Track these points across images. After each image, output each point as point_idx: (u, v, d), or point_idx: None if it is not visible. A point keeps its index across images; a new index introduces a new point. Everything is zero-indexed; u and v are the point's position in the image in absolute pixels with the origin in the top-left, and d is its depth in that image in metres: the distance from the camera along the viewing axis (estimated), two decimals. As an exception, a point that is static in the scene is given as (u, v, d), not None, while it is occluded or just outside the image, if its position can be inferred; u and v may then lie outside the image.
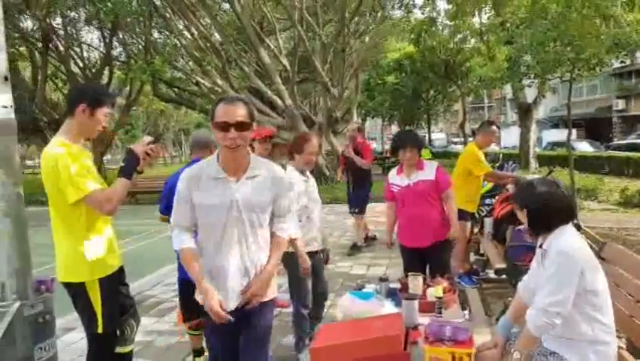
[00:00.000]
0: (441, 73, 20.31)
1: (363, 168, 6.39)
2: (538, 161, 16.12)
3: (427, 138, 30.94)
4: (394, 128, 41.79)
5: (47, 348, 2.68)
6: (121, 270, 2.59)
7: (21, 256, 2.41)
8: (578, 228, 4.06)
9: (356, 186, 6.57)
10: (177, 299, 4.96)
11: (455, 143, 40.49)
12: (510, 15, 7.85)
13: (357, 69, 15.12)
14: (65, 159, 2.23)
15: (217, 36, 14.43)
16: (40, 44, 15.54)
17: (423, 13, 14.05)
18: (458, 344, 2.03)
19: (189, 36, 14.24)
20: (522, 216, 2.26)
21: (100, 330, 2.39)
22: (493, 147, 28.73)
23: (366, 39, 16.14)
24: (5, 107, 2.48)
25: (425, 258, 3.61)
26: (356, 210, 6.60)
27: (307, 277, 3.29)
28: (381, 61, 21.49)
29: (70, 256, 2.34)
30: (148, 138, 2.49)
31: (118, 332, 2.57)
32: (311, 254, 3.28)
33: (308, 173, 3.44)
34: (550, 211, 2.16)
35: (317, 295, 3.48)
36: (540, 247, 2.27)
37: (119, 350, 2.58)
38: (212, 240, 2.10)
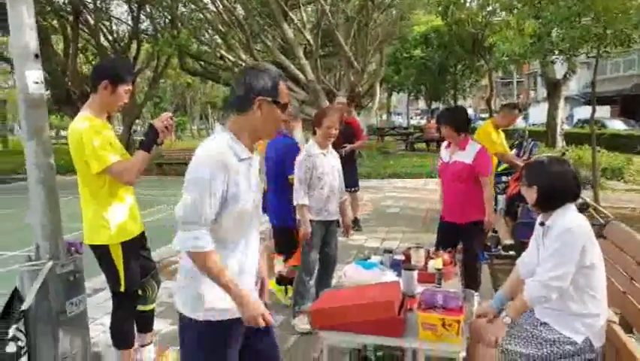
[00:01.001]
0: (468, 47, 19.84)
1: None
2: (566, 139, 15.76)
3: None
4: (421, 104, 41.22)
5: (77, 303, 2.96)
6: (142, 235, 2.81)
7: (53, 220, 2.65)
8: (587, 206, 4.12)
9: (347, 164, 6.38)
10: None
11: (483, 119, 39.78)
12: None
13: (382, 43, 14.95)
14: (89, 132, 2.44)
15: (241, 10, 14.45)
16: (71, 18, 15.88)
17: (450, -15, 13.73)
18: (448, 311, 2.17)
19: (214, 9, 14.31)
20: (528, 193, 2.34)
21: (122, 289, 2.63)
22: (521, 123, 28.18)
23: (393, 12, 15.89)
24: (36, 82, 2.68)
25: (459, 235, 3.70)
26: (353, 189, 6.29)
27: (312, 245, 3.48)
28: (408, 34, 21.10)
29: (95, 221, 2.56)
30: (167, 114, 2.67)
31: (140, 292, 2.82)
32: (325, 223, 3.51)
33: (330, 147, 3.59)
34: (558, 190, 2.25)
35: (326, 263, 3.66)
36: (542, 224, 2.37)
37: (140, 308, 2.84)
38: (242, 232, 1.83)
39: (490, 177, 3.69)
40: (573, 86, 28.74)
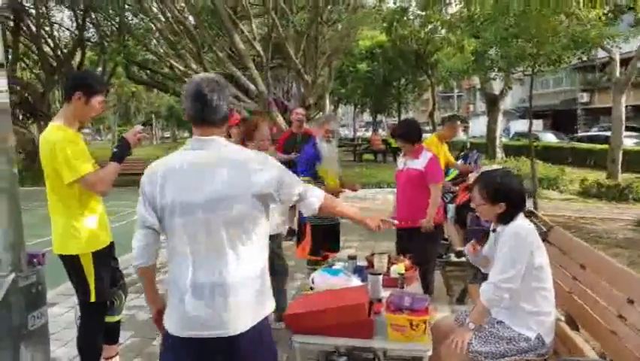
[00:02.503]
0: (412, 62, 20.63)
1: None
2: (504, 151, 16.71)
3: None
4: (366, 116, 42.16)
5: (39, 316, 2.87)
6: (111, 245, 2.80)
7: (15, 231, 2.58)
8: (532, 214, 4.45)
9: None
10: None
11: (425, 131, 41.09)
12: (477, 10, 8.21)
13: (331, 57, 15.28)
14: (62, 143, 2.43)
15: (192, 20, 14.32)
16: (11, 24, 15.12)
17: (395, 3, 14.33)
18: (415, 313, 2.31)
19: (163, 19, 14.10)
20: (491, 210, 2.41)
21: (92, 299, 2.60)
22: (462, 136, 29.41)
23: (339, 27, 16.29)
24: (0, 91, 2.62)
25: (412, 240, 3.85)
26: None
27: None
28: (354, 49, 21.66)
29: (66, 231, 2.53)
30: (139, 127, 2.75)
31: (108, 303, 2.79)
32: (270, 237, 3.53)
33: None
34: (520, 201, 2.44)
35: (278, 273, 3.64)
36: (494, 231, 2.57)
37: (108, 318, 2.81)
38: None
39: (439, 184, 3.92)
40: (509, 101, 30.52)
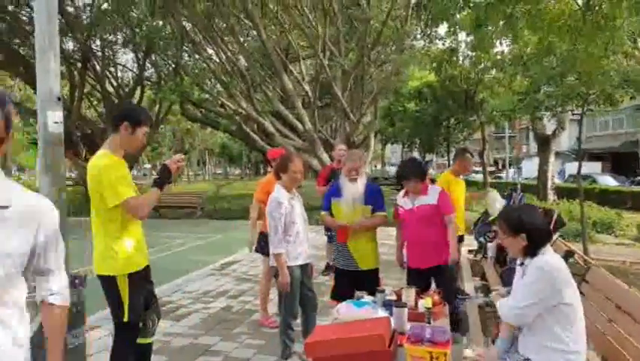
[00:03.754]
0: (461, 102, 20.55)
1: None
2: (557, 193, 16.05)
3: (447, 165, 31.05)
4: (415, 155, 41.97)
5: (78, 335, 3.04)
6: (147, 268, 2.94)
7: (61, 252, 2.79)
8: (572, 254, 4.28)
9: None
10: (193, 306, 5.32)
11: (476, 172, 40.39)
12: (523, 49, 8.16)
13: (376, 96, 15.53)
14: (107, 168, 2.63)
15: (243, 61, 15.06)
16: (79, 65, 16.47)
17: (444, 44, 14.47)
18: (436, 345, 2.28)
19: (217, 60, 14.93)
20: (514, 243, 2.42)
21: (126, 319, 2.73)
22: (513, 177, 28.42)
23: (388, 67, 16.60)
24: (56, 122, 2.91)
25: (429, 279, 3.80)
26: (329, 233, 6.28)
27: (293, 289, 3.55)
28: (402, 89, 21.86)
29: (105, 253, 2.70)
30: (179, 156, 2.91)
31: (141, 324, 2.91)
32: (301, 267, 3.61)
33: (295, 191, 3.75)
34: (543, 232, 2.42)
35: (306, 304, 3.72)
36: (521, 264, 2.53)
37: (140, 340, 2.92)
38: None
39: (453, 215, 3.83)
40: (564, 142, 29.49)
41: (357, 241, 3.79)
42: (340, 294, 3.57)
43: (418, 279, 3.73)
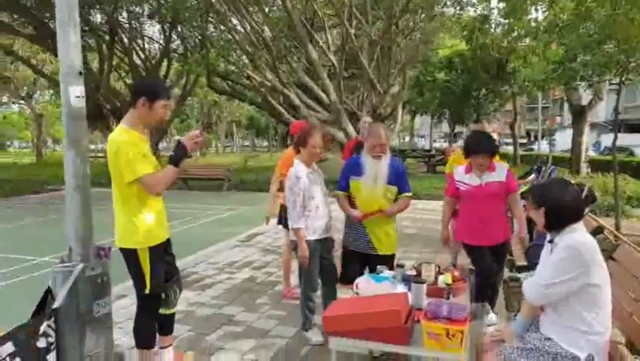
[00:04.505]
0: (492, 72, 19.90)
1: None
2: (591, 166, 15.53)
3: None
4: (444, 126, 41.14)
5: (104, 305, 3.14)
6: (168, 242, 3.00)
7: (85, 225, 2.84)
8: (601, 230, 4.14)
9: None
10: (217, 277, 5.44)
11: (507, 143, 39.46)
12: (560, 16, 7.74)
13: (405, 66, 15.15)
14: (125, 144, 2.66)
15: (268, 32, 14.89)
16: (107, 37, 16.63)
17: (476, 11, 13.92)
18: (453, 322, 2.26)
19: (242, 31, 14.80)
20: (537, 215, 2.41)
21: (147, 291, 2.80)
22: (546, 149, 27.55)
23: (417, 36, 16.13)
24: (78, 96, 2.92)
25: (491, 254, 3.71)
26: None
27: (313, 263, 3.55)
28: (432, 58, 21.29)
29: (126, 226, 2.76)
30: (195, 132, 2.89)
31: (163, 296, 2.99)
32: (320, 241, 3.59)
33: (314, 165, 3.68)
34: (563, 209, 2.33)
35: (327, 277, 3.72)
36: (550, 241, 2.46)
37: (163, 311, 3.01)
38: None
39: (517, 193, 3.79)
40: (601, 113, 28.33)
41: (376, 221, 3.59)
42: (352, 277, 3.23)
43: (485, 257, 3.65)
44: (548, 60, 9.46)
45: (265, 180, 15.02)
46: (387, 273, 3.25)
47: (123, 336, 3.72)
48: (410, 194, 3.72)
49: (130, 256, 2.79)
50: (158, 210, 2.87)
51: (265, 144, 60.92)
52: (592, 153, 18.39)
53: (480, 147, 3.58)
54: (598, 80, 8.11)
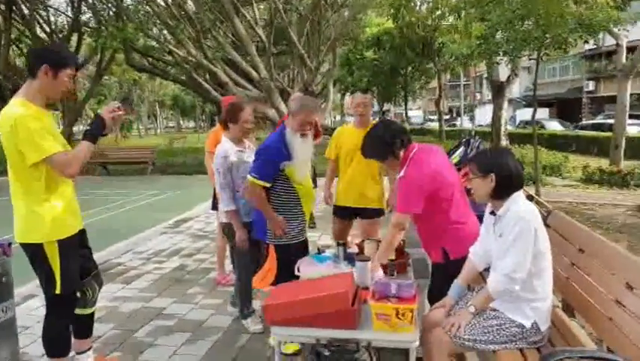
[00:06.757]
0: (419, 50, 20.32)
1: None
2: (510, 139, 16.43)
3: (403, 114, 31.17)
4: (373, 104, 41.92)
5: (5, 310, 2.72)
6: (82, 233, 2.62)
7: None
8: (531, 198, 4.26)
9: None
10: (144, 267, 5.05)
11: (432, 120, 40.93)
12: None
13: (334, 42, 14.99)
14: (25, 119, 2.22)
15: (191, 4, 14.07)
16: (2, 7, 14.90)
17: (401, -12, 13.97)
18: (402, 301, 2.14)
19: (162, 3, 13.86)
20: (482, 184, 2.27)
21: (58, 291, 2.42)
22: (467, 125, 28.97)
23: (345, 12, 15.99)
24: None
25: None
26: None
27: (250, 243, 3.30)
28: (360, 36, 21.35)
29: (28, 217, 2.35)
30: (115, 103, 2.53)
31: (78, 294, 2.62)
32: (250, 223, 3.28)
33: (247, 143, 3.41)
34: (513, 176, 2.25)
35: (260, 260, 3.46)
36: (492, 213, 2.39)
37: (79, 311, 2.64)
38: None
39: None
40: (515, 90, 30.08)
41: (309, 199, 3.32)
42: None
43: None
44: (470, 36, 9.73)
45: (194, 163, 14.45)
46: (328, 252, 3.11)
47: (33, 342, 3.27)
48: None
49: (34, 252, 2.38)
50: (68, 197, 2.48)
51: (192, 124, 58.60)
52: (509, 127, 19.50)
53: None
54: (518, 55, 8.42)
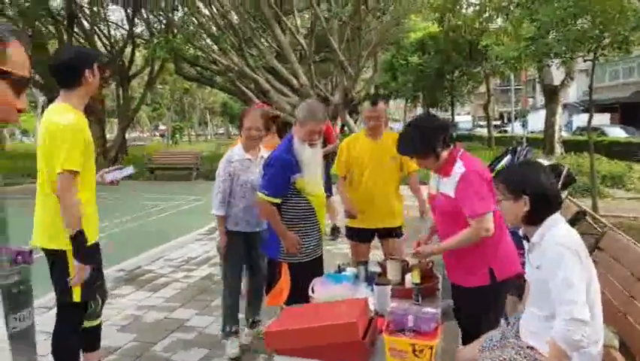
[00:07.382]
0: (465, 53, 19.69)
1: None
2: (564, 146, 15.51)
3: (451, 120, 30.30)
4: (419, 110, 41.06)
5: (22, 318, 2.68)
6: (97, 245, 2.57)
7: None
8: (584, 215, 3.86)
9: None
10: (173, 275, 5.00)
11: (481, 126, 39.55)
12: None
13: (375, 48, 14.73)
14: (73, 129, 2.26)
15: (234, 14, 14.27)
16: (66, 22, 15.79)
17: (446, -9, 13.53)
18: (421, 336, 1.91)
19: (208, 14, 14.14)
20: (514, 207, 1.96)
21: (76, 299, 2.38)
22: (519, 131, 27.85)
23: (387, 17, 15.71)
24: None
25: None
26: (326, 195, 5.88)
27: (231, 259, 3.24)
28: (404, 41, 20.95)
29: (54, 224, 2.31)
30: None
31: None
32: (243, 234, 3.21)
33: (258, 153, 3.26)
34: (550, 197, 1.94)
35: (254, 269, 3.40)
36: (526, 238, 2.09)
37: (86, 324, 2.57)
38: None
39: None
40: (572, 94, 28.53)
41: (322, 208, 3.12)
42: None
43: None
44: (520, 38, 9.21)
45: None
46: (349, 271, 2.89)
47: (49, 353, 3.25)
48: None
49: (57, 259, 2.35)
50: (93, 208, 2.47)
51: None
52: (564, 134, 18.41)
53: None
54: (571, 57, 7.85)
